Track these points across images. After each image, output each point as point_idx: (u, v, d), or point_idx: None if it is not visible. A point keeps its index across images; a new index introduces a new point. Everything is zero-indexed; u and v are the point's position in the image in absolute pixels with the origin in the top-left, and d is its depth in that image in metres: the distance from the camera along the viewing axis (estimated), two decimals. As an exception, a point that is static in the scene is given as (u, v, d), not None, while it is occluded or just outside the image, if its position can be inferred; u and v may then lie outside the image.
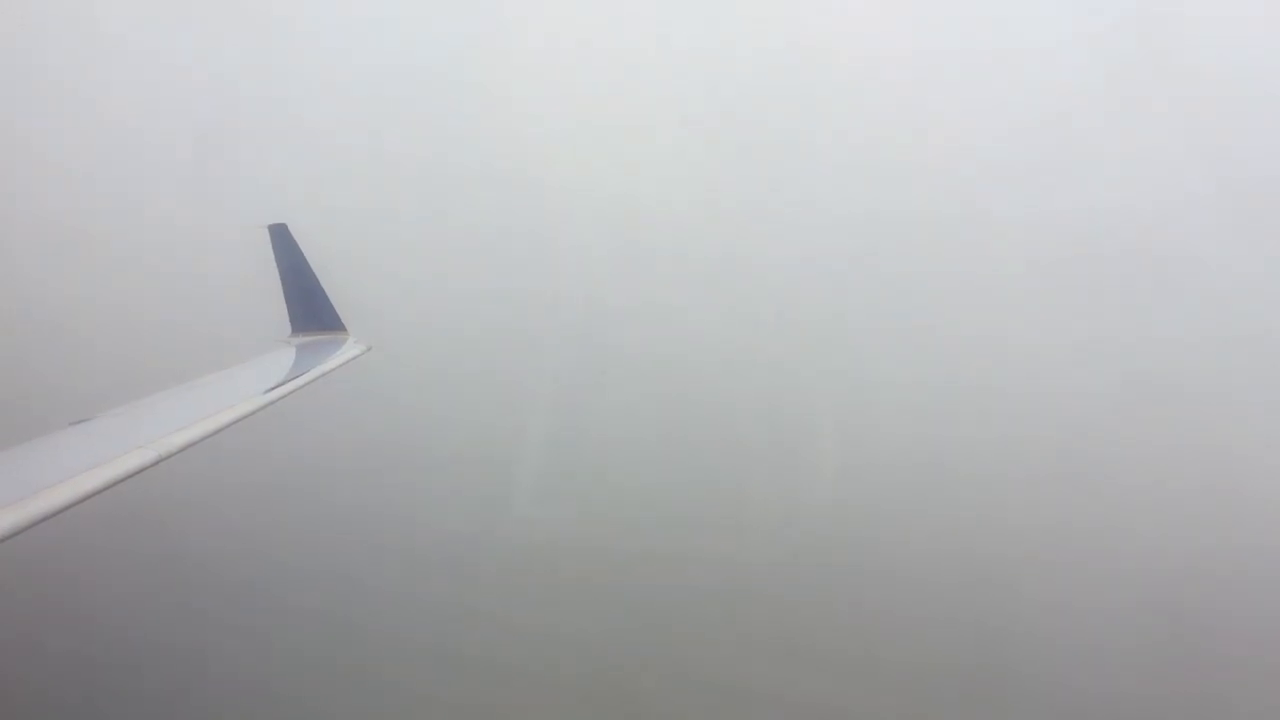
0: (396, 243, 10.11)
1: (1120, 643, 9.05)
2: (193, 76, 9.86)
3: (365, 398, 9.39)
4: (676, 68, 9.61)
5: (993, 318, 9.52)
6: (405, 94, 9.93)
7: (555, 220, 9.95)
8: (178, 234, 9.99)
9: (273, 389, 6.31)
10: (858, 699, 9.10)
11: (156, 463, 4.65)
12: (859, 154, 9.54)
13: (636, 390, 9.83)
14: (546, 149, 9.78)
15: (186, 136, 9.87)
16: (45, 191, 10.15)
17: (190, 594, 9.59)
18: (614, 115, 9.82)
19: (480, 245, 10.08)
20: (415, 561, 9.69)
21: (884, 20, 9.31)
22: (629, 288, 9.84)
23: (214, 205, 9.86)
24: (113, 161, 10.00)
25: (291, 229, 8.27)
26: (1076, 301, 9.34)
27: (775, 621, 9.49)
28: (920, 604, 9.43)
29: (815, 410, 9.65)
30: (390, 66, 9.93)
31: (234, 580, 9.66)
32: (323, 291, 8.28)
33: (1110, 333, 9.34)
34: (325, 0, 10.09)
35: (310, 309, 8.23)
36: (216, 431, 5.35)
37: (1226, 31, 8.84)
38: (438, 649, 9.50)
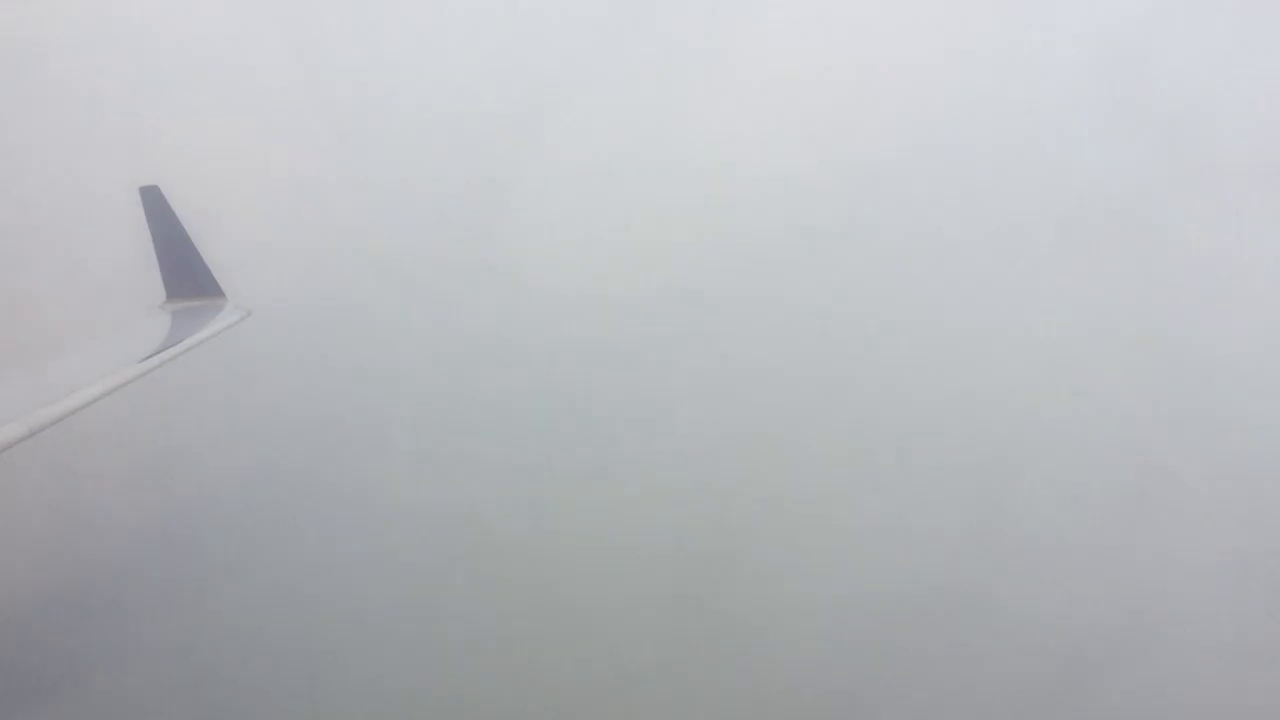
0: (275, 201, 9.87)
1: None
2: (60, 30, 9.34)
3: (244, 365, 9.19)
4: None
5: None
6: (282, 39, 9.65)
7: (446, 179, 9.87)
8: (41, 196, 9.52)
9: (148, 358, 6.20)
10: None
11: (27, 437, 4.56)
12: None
13: (532, 347, 9.83)
14: (439, 91, 9.70)
15: (50, 92, 9.38)
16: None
17: (65, 582, 9.25)
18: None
19: (368, 202, 9.94)
20: (299, 537, 9.52)
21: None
22: (530, 236, 9.83)
23: (81, 166, 9.43)
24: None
25: (164, 190, 8.04)
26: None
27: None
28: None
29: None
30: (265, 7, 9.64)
31: (107, 564, 9.33)
32: (199, 255, 8.09)
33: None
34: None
35: (185, 274, 8.04)
36: (90, 403, 5.26)
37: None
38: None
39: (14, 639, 8.63)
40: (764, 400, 9.70)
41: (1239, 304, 9.32)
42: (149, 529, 9.32)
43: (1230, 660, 8.58)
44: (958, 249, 9.74)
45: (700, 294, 9.82)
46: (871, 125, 9.76)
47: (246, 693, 8.45)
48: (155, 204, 8.00)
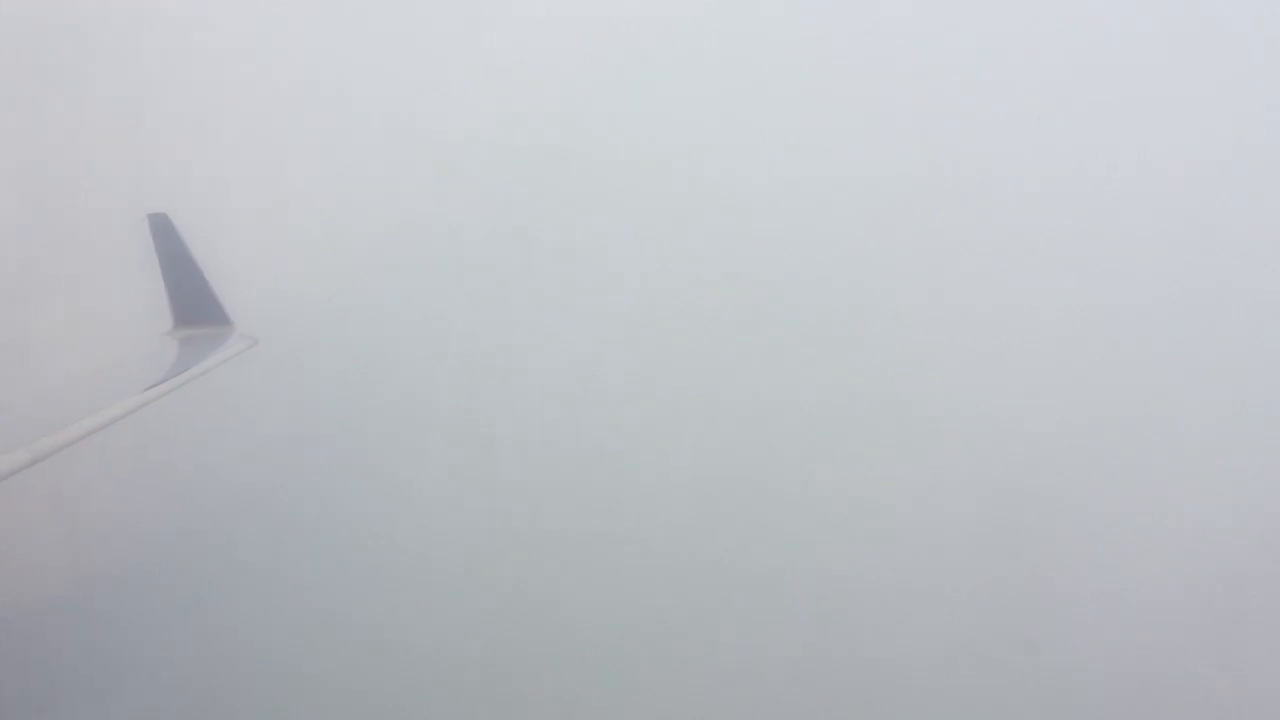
0: (285, 229, 9.85)
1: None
2: (68, 56, 9.39)
3: (252, 394, 9.13)
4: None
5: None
6: (294, 66, 9.68)
7: (467, 204, 9.86)
8: (49, 222, 9.54)
9: (154, 386, 6.16)
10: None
11: (30, 465, 4.50)
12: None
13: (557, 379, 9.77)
14: (451, 117, 9.71)
15: (58, 117, 9.41)
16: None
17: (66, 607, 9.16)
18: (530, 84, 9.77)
19: (381, 229, 9.92)
20: (295, 569, 9.42)
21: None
22: (548, 274, 9.82)
23: (89, 193, 9.44)
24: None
25: (172, 217, 8.06)
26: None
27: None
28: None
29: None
30: (278, 33, 9.67)
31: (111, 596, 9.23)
32: (207, 282, 8.09)
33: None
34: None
35: (193, 301, 8.04)
36: (95, 430, 5.20)
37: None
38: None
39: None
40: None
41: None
42: (150, 554, 9.25)
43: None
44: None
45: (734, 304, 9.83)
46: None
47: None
48: (163, 231, 8.03)
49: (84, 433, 5.10)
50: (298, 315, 9.52)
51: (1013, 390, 9.48)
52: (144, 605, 8.96)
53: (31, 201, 9.37)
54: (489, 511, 9.48)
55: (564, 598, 9.20)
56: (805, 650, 9.03)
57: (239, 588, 9.12)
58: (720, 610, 9.18)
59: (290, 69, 9.61)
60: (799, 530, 9.36)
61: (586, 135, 9.81)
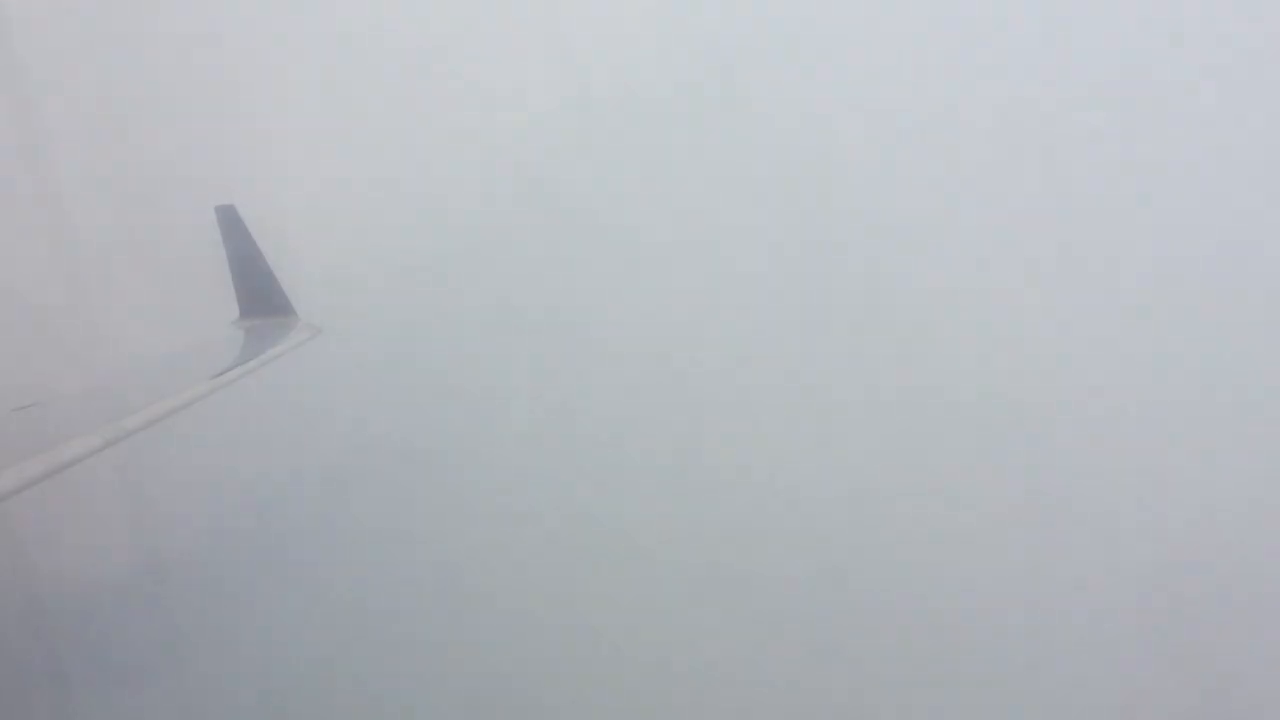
0: (350, 222, 9.97)
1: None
2: (139, 48, 9.60)
3: (314, 383, 9.26)
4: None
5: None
6: (360, 62, 9.78)
7: (517, 195, 9.86)
8: (119, 215, 9.77)
9: (219, 374, 6.28)
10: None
11: (103, 448, 4.62)
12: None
13: (614, 374, 9.72)
14: (513, 115, 9.73)
15: (134, 117, 9.63)
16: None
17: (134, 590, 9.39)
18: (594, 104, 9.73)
19: (440, 224, 9.98)
20: (346, 560, 9.51)
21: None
22: (602, 268, 9.77)
23: (158, 186, 9.65)
24: (56, 138, 9.70)
25: (240, 210, 8.21)
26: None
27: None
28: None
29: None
30: (346, 31, 9.77)
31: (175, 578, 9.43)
32: (272, 274, 8.24)
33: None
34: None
35: (259, 292, 8.19)
36: (166, 416, 5.32)
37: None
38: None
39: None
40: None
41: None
42: (207, 541, 9.46)
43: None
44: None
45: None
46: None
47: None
48: (230, 223, 8.18)
49: (153, 418, 5.22)
50: (361, 306, 9.65)
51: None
52: (203, 589, 9.17)
53: (102, 195, 9.61)
54: (554, 500, 9.50)
55: (637, 585, 9.20)
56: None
57: (292, 578, 9.26)
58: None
59: (355, 60, 9.72)
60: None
61: (653, 123, 9.74)
